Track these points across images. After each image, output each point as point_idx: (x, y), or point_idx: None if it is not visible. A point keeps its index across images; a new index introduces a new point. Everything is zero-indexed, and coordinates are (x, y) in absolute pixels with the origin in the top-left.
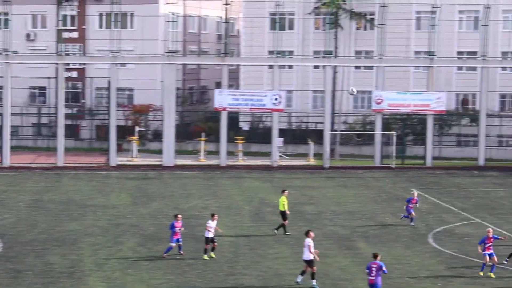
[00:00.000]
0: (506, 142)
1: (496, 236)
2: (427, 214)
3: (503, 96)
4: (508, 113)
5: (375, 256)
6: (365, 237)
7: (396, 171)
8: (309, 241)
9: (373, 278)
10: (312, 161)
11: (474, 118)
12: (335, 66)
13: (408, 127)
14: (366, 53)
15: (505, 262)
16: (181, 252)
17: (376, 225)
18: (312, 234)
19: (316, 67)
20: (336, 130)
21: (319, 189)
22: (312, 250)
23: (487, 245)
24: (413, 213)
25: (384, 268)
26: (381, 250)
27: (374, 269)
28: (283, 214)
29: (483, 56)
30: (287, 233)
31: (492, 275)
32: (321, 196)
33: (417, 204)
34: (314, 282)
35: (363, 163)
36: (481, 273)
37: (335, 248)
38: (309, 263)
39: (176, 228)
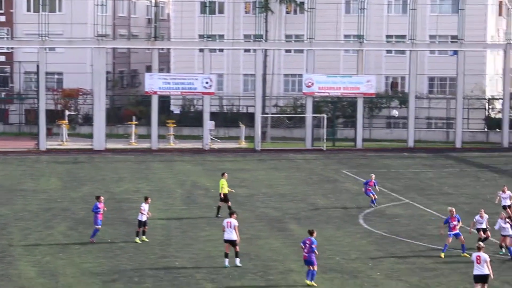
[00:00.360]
0: (434, 124)
1: (459, 216)
2: (358, 195)
3: (431, 79)
4: (437, 96)
5: (310, 233)
6: (296, 219)
7: (327, 153)
8: (235, 222)
9: (307, 254)
10: (243, 144)
11: (403, 101)
12: (266, 49)
13: (338, 109)
14: (296, 36)
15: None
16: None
17: (308, 207)
18: (235, 215)
19: (246, 50)
20: (267, 113)
21: (251, 172)
22: (237, 230)
23: (451, 225)
24: (371, 195)
25: (313, 246)
26: None
27: (307, 245)
28: (224, 196)
29: (412, 39)
30: (219, 215)
31: (466, 255)
32: (252, 178)
33: (376, 187)
34: (238, 260)
35: (294, 145)
36: (442, 255)
37: (267, 230)
38: (233, 242)
39: (100, 209)
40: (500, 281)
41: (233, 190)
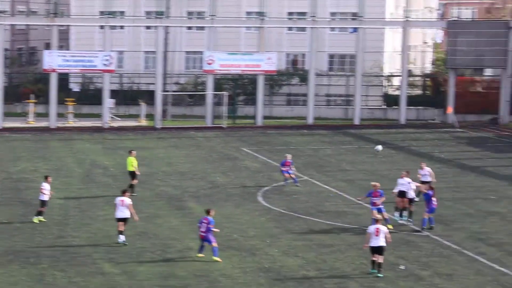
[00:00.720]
0: (334, 101)
1: (382, 191)
2: (257, 172)
3: (331, 56)
4: (336, 73)
5: (207, 212)
6: (196, 197)
7: (228, 131)
8: (129, 200)
9: (204, 233)
10: (143, 122)
11: (304, 78)
12: (167, 26)
13: (239, 87)
14: (198, 13)
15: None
16: None
17: (207, 185)
18: (128, 193)
19: (148, 27)
20: (168, 91)
21: (151, 150)
22: (132, 209)
23: (374, 200)
24: (286, 174)
25: (210, 226)
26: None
27: (204, 224)
28: (132, 174)
29: (313, 16)
30: (133, 194)
31: (390, 226)
32: (152, 157)
33: (292, 166)
34: (122, 238)
35: (194, 123)
36: (390, 226)
37: (166, 209)
38: (125, 220)
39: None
40: (395, 256)
41: (138, 172)
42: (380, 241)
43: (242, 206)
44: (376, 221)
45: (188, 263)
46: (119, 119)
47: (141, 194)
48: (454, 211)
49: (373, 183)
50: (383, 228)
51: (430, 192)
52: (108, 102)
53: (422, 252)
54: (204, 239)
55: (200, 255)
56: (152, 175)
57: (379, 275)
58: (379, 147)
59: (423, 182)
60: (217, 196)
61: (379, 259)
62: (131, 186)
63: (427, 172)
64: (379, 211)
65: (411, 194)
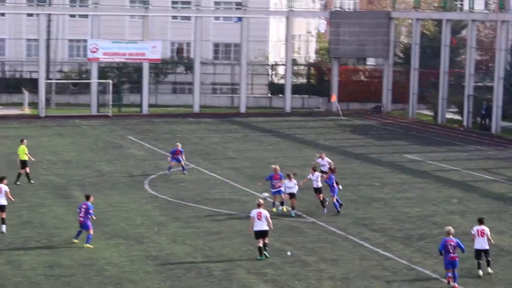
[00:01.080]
0: (219, 90)
1: (282, 174)
2: (143, 161)
3: (216, 45)
4: (222, 62)
5: (87, 197)
6: (81, 185)
7: (113, 119)
8: (6, 188)
9: (82, 218)
10: (27, 111)
11: (189, 67)
12: (49, 14)
13: (124, 75)
14: (81, 1)
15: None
16: None
17: (93, 173)
18: (5, 180)
19: (29, 15)
20: (51, 79)
21: (35, 139)
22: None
23: (274, 182)
24: (173, 162)
25: (90, 211)
26: (97, 198)
27: (83, 209)
28: (23, 163)
29: (197, 6)
30: (32, 181)
31: (284, 209)
32: (36, 145)
33: (182, 155)
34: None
35: (79, 111)
36: (274, 210)
37: (51, 197)
38: (3, 208)
39: None
40: (282, 243)
41: (33, 159)
42: (264, 225)
43: (129, 194)
44: (258, 205)
45: (74, 252)
46: (2, 107)
47: (25, 183)
48: (339, 197)
49: (273, 166)
50: (265, 212)
51: (332, 176)
52: None
53: (308, 238)
54: (82, 224)
55: (75, 240)
56: (36, 164)
57: (267, 254)
58: (265, 194)
59: (322, 172)
60: (103, 184)
61: (265, 239)
62: (25, 175)
63: (326, 162)
64: (279, 192)
65: (319, 185)
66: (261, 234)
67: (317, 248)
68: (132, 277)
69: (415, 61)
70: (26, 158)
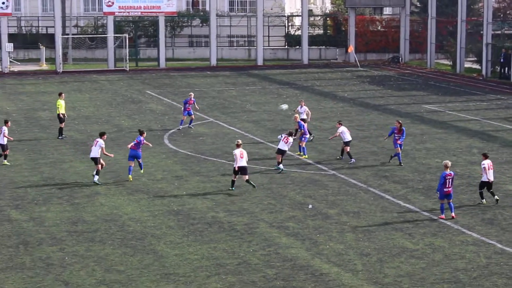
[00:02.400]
0: (236, 42)
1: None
2: (162, 115)
3: None
4: (237, 14)
5: (141, 132)
6: None
7: (131, 74)
8: (102, 142)
9: (134, 148)
10: (44, 66)
11: (205, 19)
12: None
13: (140, 29)
14: None
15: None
16: None
17: (113, 129)
18: (105, 136)
19: None
20: (67, 34)
21: (53, 95)
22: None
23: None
24: (185, 116)
25: (144, 142)
26: (117, 153)
27: (137, 142)
28: (61, 116)
29: None
30: (63, 136)
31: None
32: (55, 101)
33: (195, 105)
34: (96, 178)
35: (97, 66)
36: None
37: (71, 153)
38: (96, 160)
39: None
40: (303, 196)
41: (66, 116)
42: (243, 162)
43: (149, 149)
44: (237, 145)
45: (96, 208)
46: (19, 63)
47: (45, 139)
48: (358, 149)
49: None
50: (245, 152)
51: (301, 123)
52: (7, 46)
53: (329, 190)
54: (133, 155)
55: (131, 177)
56: (56, 120)
57: (254, 185)
58: (284, 106)
59: (302, 120)
60: (122, 139)
61: (244, 178)
62: (61, 129)
63: (303, 110)
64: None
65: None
66: (241, 170)
67: (338, 200)
68: (155, 232)
69: (432, 10)
70: (62, 111)
